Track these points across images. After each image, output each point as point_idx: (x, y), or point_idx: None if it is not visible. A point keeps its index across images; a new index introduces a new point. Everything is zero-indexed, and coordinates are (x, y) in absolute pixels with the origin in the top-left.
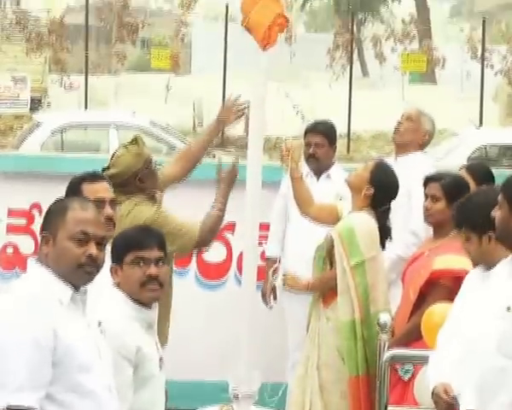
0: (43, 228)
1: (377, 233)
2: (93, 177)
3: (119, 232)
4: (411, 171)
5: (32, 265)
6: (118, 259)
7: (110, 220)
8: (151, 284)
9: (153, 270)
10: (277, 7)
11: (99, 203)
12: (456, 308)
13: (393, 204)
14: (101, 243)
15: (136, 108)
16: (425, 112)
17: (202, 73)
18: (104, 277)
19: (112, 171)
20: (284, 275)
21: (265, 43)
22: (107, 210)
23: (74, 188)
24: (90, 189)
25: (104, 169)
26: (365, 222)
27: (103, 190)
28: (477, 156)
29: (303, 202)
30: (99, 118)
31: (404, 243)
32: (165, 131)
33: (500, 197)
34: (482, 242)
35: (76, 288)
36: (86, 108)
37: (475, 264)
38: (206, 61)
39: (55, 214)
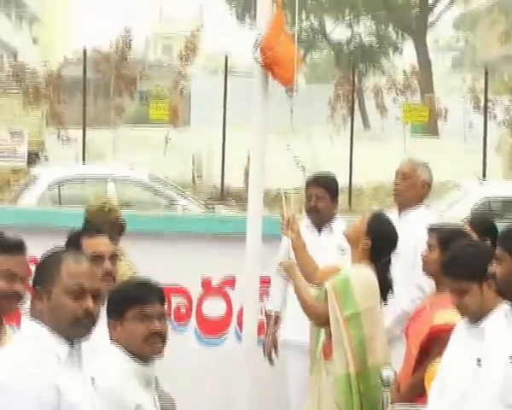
0: (36, 283)
1: (376, 285)
2: (92, 231)
3: (114, 287)
4: (415, 226)
5: (27, 322)
6: (117, 314)
7: (109, 275)
8: (154, 339)
9: (157, 325)
10: (293, 46)
11: (98, 258)
12: (446, 362)
13: (399, 258)
14: (96, 296)
15: (135, 161)
16: (419, 162)
17: (201, 126)
18: (97, 331)
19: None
20: (282, 263)
21: (290, 81)
22: (107, 265)
23: (73, 242)
24: (89, 243)
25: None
26: (362, 274)
27: (103, 244)
28: (480, 209)
29: (307, 273)
30: (97, 171)
31: (410, 297)
32: (164, 185)
33: (499, 251)
34: (483, 290)
35: (71, 343)
36: (84, 161)
37: (470, 315)
38: (205, 114)
39: (48, 268)
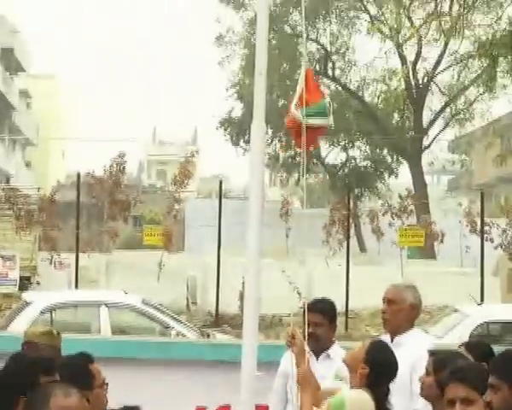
0: None
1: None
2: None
3: None
4: (409, 350)
5: None
6: None
7: None
8: None
9: None
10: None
11: None
12: None
13: (395, 386)
14: None
15: (128, 286)
16: (404, 285)
17: (196, 251)
18: None
19: None
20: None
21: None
22: None
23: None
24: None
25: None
26: (359, 396)
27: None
28: (479, 333)
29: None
30: (90, 297)
31: None
32: (158, 311)
33: (493, 379)
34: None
35: None
36: (77, 286)
37: None
38: (199, 238)
39: (37, 402)
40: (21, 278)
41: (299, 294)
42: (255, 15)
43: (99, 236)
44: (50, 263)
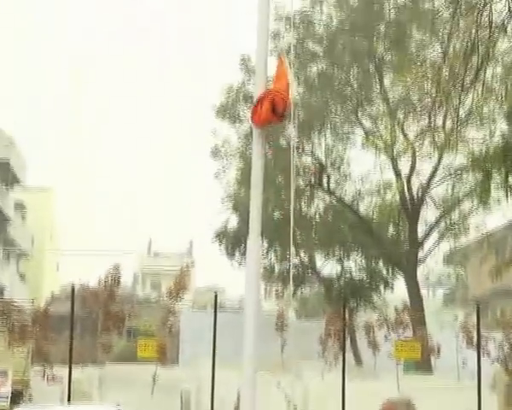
0: None
1: None
2: None
3: None
4: None
5: None
6: None
7: None
8: None
9: None
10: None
11: None
12: None
13: None
14: None
15: (122, 400)
16: (399, 399)
17: (190, 363)
18: None
19: None
20: None
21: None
22: None
23: None
24: None
25: None
26: None
27: None
28: None
29: None
30: None
31: None
32: None
33: None
34: None
35: None
36: (69, 400)
37: None
38: (194, 351)
39: None
40: (13, 393)
41: (294, 407)
42: (250, 129)
43: (93, 348)
44: (43, 377)
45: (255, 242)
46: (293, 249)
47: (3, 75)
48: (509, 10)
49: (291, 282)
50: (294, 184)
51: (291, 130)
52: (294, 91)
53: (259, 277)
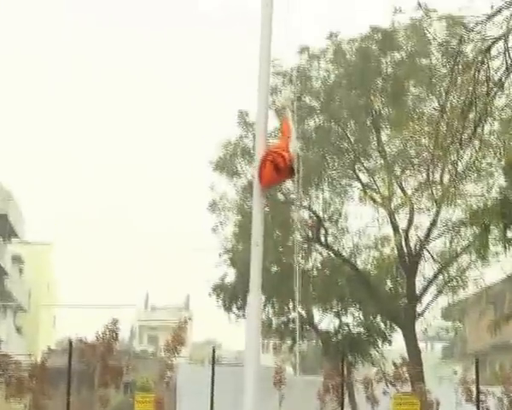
0: None
1: None
2: None
3: None
4: None
5: None
6: None
7: None
8: None
9: None
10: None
11: None
12: None
13: None
14: None
15: None
16: None
17: None
18: None
19: None
20: None
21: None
22: None
23: None
24: None
25: None
26: None
27: None
28: None
29: None
30: None
31: None
32: None
33: None
34: None
35: None
36: None
37: None
38: (191, 406)
39: None
40: None
41: None
42: (248, 183)
43: (90, 403)
44: None
45: (256, 296)
46: (291, 304)
47: (2, 129)
48: (506, 67)
49: (298, 337)
50: (296, 236)
51: (289, 184)
52: (297, 146)
53: (259, 334)
